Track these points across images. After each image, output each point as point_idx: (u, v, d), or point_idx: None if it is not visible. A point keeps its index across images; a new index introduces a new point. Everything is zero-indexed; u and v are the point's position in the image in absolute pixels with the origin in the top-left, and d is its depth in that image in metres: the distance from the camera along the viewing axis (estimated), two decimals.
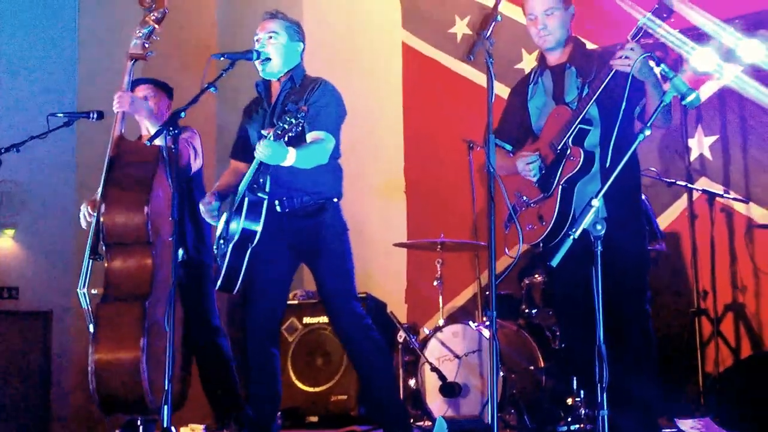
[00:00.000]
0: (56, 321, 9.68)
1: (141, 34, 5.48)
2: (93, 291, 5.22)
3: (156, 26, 5.51)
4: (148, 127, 5.45)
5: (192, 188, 5.59)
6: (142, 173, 5.18)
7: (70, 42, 10.67)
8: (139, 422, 5.20)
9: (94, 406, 5.15)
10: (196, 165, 5.58)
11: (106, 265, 5.15)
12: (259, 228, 4.53)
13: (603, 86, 4.00)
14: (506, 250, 4.01)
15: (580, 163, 4.09)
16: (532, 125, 4.45)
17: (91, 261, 5.25)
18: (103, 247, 5.16)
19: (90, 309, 5.17)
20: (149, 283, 5.04)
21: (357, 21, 8.36)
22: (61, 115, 5.60)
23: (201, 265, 5.57)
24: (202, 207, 4.81)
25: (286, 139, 4.27)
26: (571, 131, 4.12)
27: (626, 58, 3.88)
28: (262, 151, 4.30)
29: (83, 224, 5.38)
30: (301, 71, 4.86)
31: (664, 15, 3.91)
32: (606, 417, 3.34)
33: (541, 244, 4.27)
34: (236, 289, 4.64)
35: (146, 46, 5.47)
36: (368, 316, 4.83)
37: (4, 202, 9.45)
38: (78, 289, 5.26)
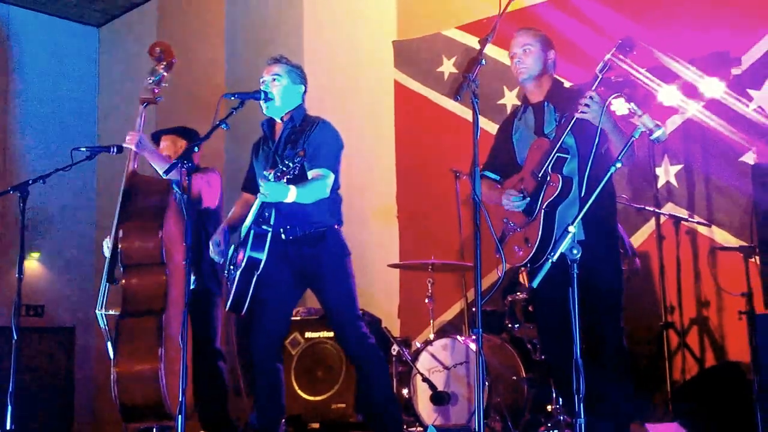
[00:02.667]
0: (79, 336, 9.68)
1: (151, 81, 5.60)
2: (111, 311, 5.25)
3: (165, 74, 5.61)
4: (155, 167, 5.47)
5: (205, 221, 5.63)
6: (155, 203, 5.26)
7: (90, 82, 10.74)
8: (154, 430, 5.19)
9: (115, 414, 5.16)
10: (208, 200, 5.61)
11: (122, 285, 5.19)
12: (263, 257, 4.55)
13: (572, 123, 4.04)
14: (497, 271, 4.02)
15: (560, 187, 4.11)
16: (516, 158, 4.47)
17: (108, 285, 5.28)
18: (121, 270, 5.20)
19: (107, 328, 5.21)
20: (163, 298, 5.08)
21: (353, 62, 8.39)
22: (84, 149, 5.58)
23: (208, 293, 5.61)
24: (211, 244, 4.81)
25: (285, 180, 4.29)
26: (549, 159, 4.15)
27: (586, 105, 3.94)
28: (265, 191, 4.33)
29: (106, 253, 5.38)
30: (302, 111, 4.86)
31: (628, 49, 3.98)
32: (583, 424, 3.33)
33: (528, 264, 4.28)
34: (244, 310, 4.63)
35: (156, 91, 5.59)
36: (372, 335, 4.80)
37: (30, 228, 9.46)
38: (96, 310, 5.28)
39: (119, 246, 5.18)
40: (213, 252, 4.78)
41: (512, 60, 4.46)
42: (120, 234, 5.19)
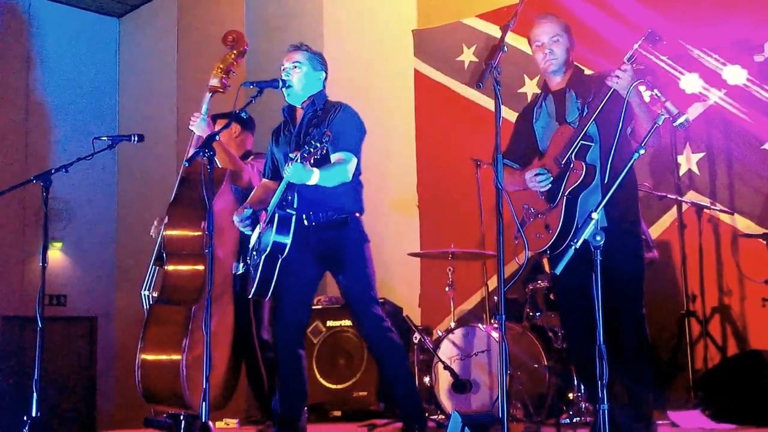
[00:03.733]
0: (101, 326, 9.73)
1: (221, 69, 5.51)
2: (155, 294, 5.32)
3: (236, 63, 5.53)
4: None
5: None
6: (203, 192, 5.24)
7: (111, 72, 10.78)
8: (181, 416, 5.22)
9: (137, 402, 5.20)
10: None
11: (164, 271, 5.27)
12: (288, 240, 4.53)
13: (602, 105, 4.03)
14: (516, 258, 4.01)
15: (583, 175, 4.11)
16: (538, 145, 4.47)
17: (155, 267, 5.33)
18: (164, 256, 5.24)
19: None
20: (199, 290, 5.10)
21: (373, 51, 8.38)
22: (106, 138, 5.56)
23: None
24: (235, 217, 4.79)
25: (311, 161, 4.29)
26: (573, 147, 4.14)
27: (617, 76, 3.93)
28: (290, 172, 4.33)
29: (153, 235, 5.44)
30: (323, 97, 4.85)
31: (656, 38, 3.97)
32: (606, 411, 3.33)
33: (548, 251, 4.27)
34: (269, 294, 4.65)
35: (225, 81, 5.49)
36: (387, 318, 4.82)
37: (52, 218, 9.53)
38: (142, 291, 5.37)
39: (163, 232, 5.24)
40: (238, 223, 4.76)
41: (540, 49, 4.40)
42: (166, 219, 5.25)
